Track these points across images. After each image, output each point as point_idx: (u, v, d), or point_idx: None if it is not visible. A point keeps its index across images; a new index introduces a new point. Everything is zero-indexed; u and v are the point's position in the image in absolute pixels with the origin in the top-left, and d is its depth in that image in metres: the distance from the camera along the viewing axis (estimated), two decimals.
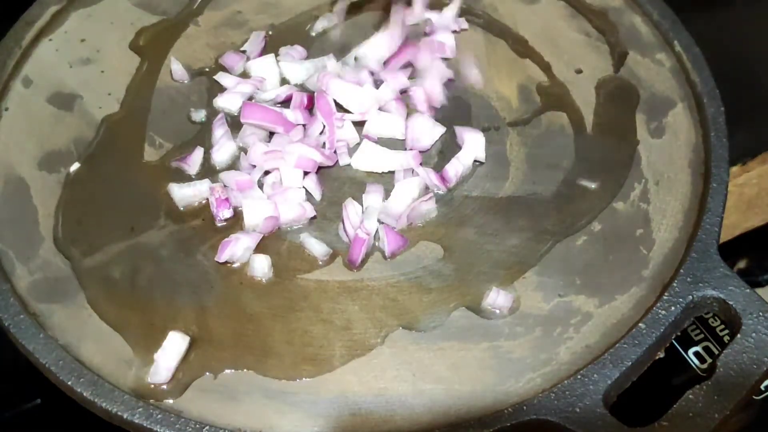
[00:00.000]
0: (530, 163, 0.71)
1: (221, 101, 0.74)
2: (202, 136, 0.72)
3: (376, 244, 0.66)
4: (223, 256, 0.64)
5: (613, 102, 0.75)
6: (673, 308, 0.61)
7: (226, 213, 0.67)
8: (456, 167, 0.69)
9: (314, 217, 0.67)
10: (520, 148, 0.72)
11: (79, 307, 0.62)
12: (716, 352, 0.70)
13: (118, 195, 0.69)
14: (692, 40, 0.78)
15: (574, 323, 0.62)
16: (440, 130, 0.72)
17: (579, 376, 0.58)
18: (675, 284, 0.62)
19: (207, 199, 0.68)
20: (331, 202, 0.68)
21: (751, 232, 0.91)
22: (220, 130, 0.71)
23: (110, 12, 0.81)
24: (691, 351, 0.71)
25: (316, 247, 0.65)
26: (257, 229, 0.66)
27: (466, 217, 0.68)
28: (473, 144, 0.70)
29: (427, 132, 0.72)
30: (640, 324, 0.60)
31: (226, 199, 0.67)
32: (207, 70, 0.78)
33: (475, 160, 0.71)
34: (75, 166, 0.70)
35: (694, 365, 0.70)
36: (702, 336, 0.72)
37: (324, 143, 0.71)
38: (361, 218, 0.66)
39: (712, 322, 0.72)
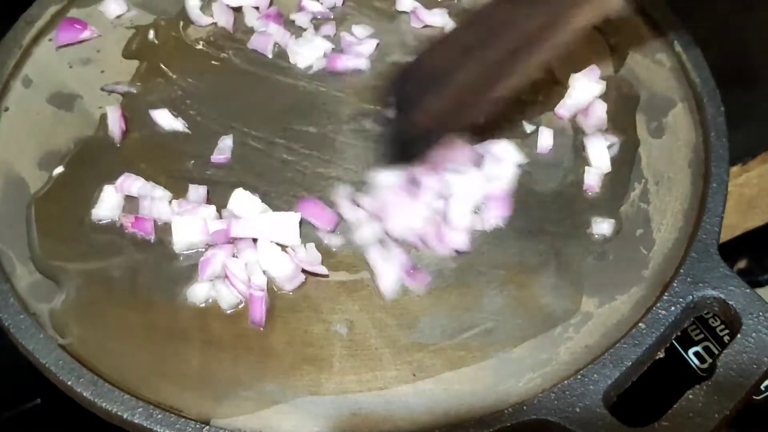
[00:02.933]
0: (530, 163, 0.71)
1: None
2: None
3: None
4: (205, 276, 0.62)
5: (613, 102, 0.75)
6: (673, 308, 0.61)
7: (148, 229, 0.65)
8: None
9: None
10: (520, 148, 0.72)
11: None
12: (716, 352, 0.70)
13: None
14: (692, 40, 0.78)
15: (574, 323, 0.62)
16: None
17: (579, 376, 0.58)
18: (675, 284, 0.62)
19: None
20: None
21: (751, 232, 0.90)
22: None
23: (110, 12, 0.81)
24: (691, 351, 0.71)
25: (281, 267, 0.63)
26: (189, 248, 0.64)
27: None
28: None
29: None
30: (640, 324, 0.60)
31: (145, 219, 0.65)
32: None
33: None
34: (59, 170, 0.69)
35: (694, 365, 0.70)
36: (702, 336, 0.72)
37: None
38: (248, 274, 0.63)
39: (712, 322, 0.72)
